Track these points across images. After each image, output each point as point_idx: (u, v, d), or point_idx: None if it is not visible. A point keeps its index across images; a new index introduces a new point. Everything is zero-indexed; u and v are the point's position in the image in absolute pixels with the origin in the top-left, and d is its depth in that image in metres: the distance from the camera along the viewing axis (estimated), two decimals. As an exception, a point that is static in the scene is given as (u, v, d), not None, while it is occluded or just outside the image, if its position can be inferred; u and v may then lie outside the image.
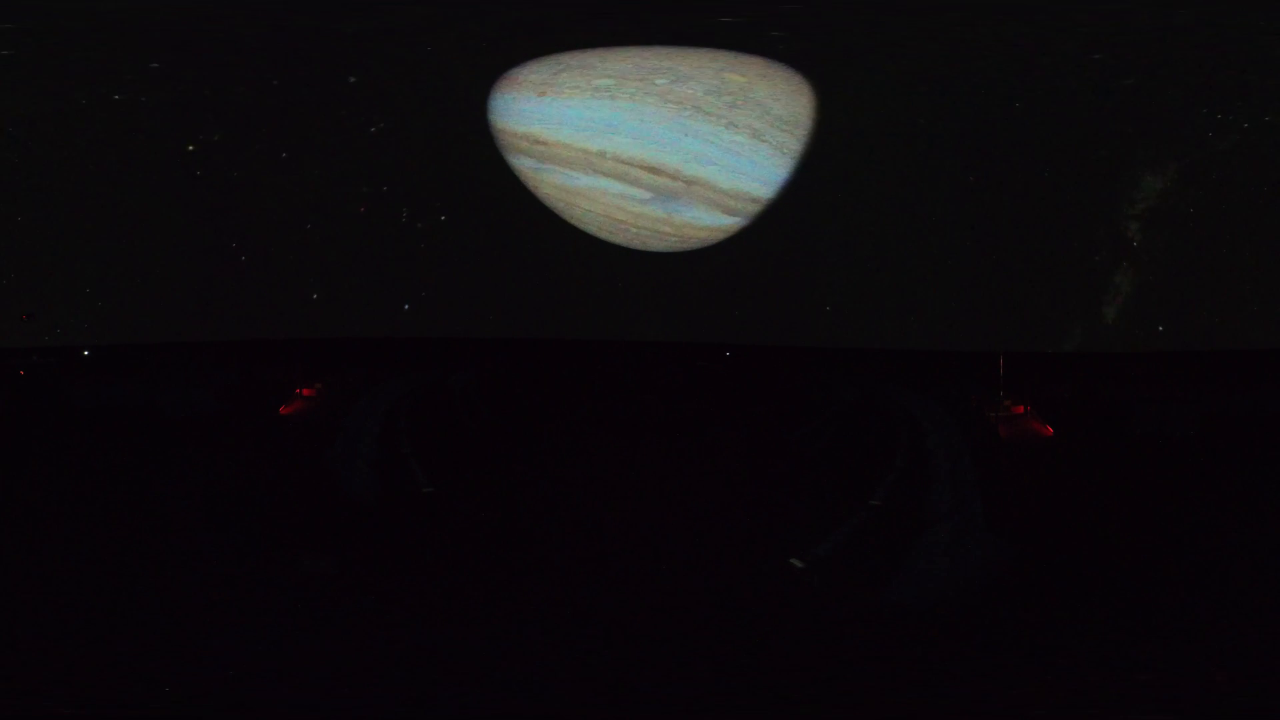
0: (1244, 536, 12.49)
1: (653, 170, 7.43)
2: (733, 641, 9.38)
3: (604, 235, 7.92)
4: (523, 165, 7.07)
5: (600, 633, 9.50)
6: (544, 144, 6.86)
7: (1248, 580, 10.98)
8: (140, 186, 15.74)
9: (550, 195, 7.24)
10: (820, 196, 15.18)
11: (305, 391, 21.56)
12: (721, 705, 8.19)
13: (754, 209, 8.39)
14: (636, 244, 8.22)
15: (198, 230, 16.34)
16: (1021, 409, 19.57)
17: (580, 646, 9.22)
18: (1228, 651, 9.09)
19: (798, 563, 11.63)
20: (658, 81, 7.32)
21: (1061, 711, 8.14)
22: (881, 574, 11.38)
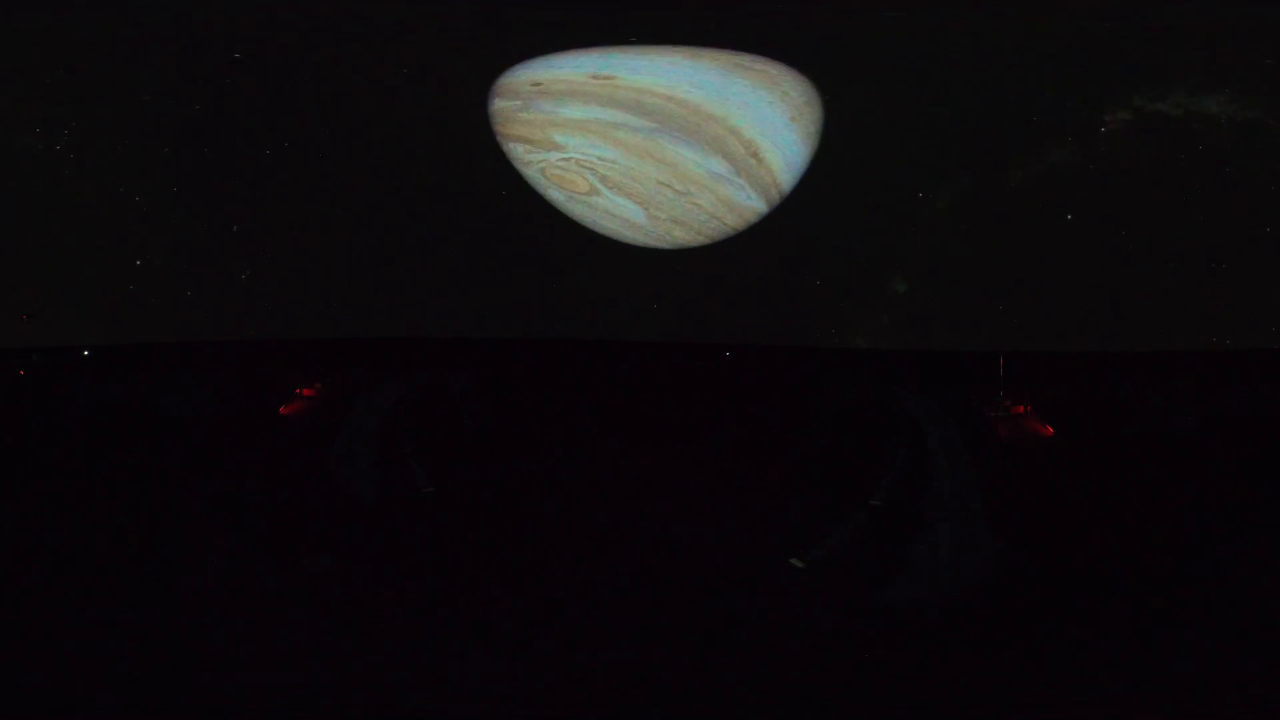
0: (1243, 536, 12.49)
1: (781, 192, 7.62)
2: (734, 641, 9.37)
3: (688, 236, 7.70)
4: (709, 166, 6.60)
5: (600, 632, 9.50)
6: (757, 160, 6.70)
7: (1247, 579, 10.98)
8: (138, 185, 15.80)
9: (692, 188, 6.85)
10: (819, 196, 15.18)
11: (305, 391, 21.56)
12: (722, 705, 8.19)
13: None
14: (697, 241, 8.05)
15: (197, 228, 16.40)
16: (1021, 409, 19.56)
17: (580, 647, 9.21)
18: (1227, 651, 9.08)
19: (798, 562, 11.64)
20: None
21: (1060, 709, 8.15)
22: (882, 573, 11.38)
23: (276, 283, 16.99)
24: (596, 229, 8.06)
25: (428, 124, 15.07)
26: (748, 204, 6.63)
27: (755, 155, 6.48)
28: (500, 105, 7.15)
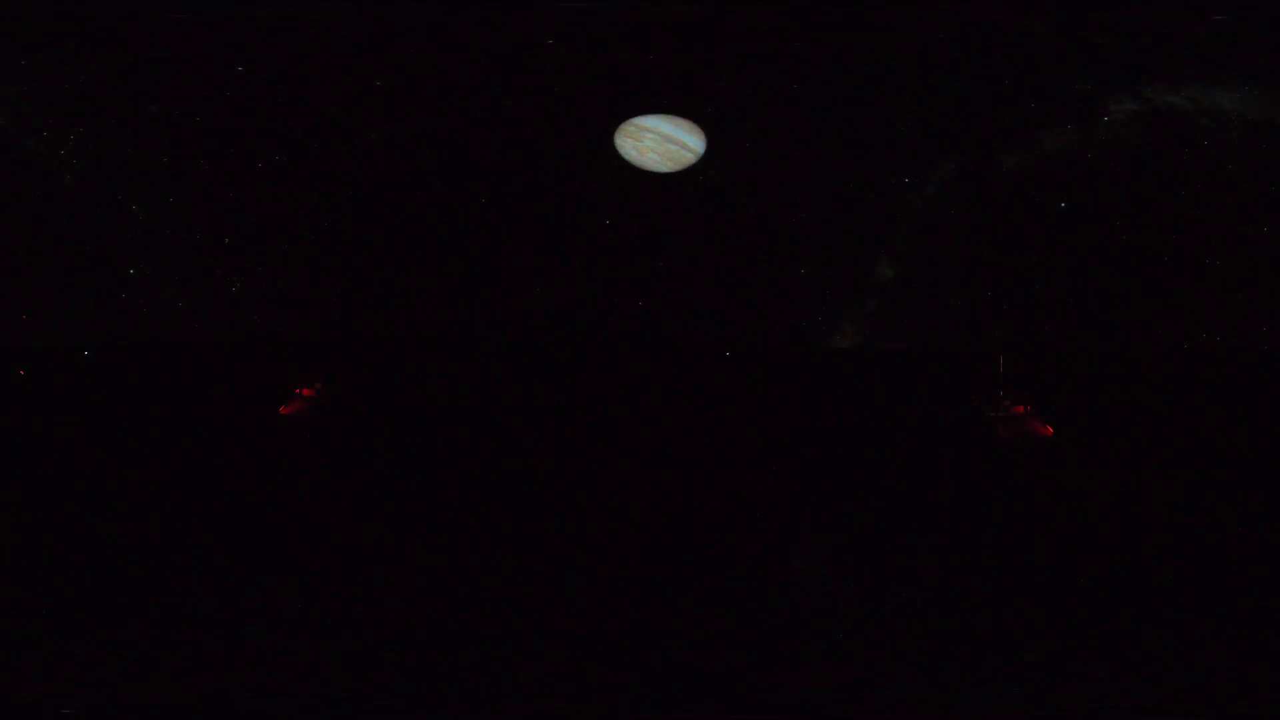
0: (1244, 536, 12.48)
1: (698, 153, 14.23)
2: (732, 641, 9.37)
3: (672, 166, 14.53)
4: (673, 147, 14.20)
5: (598, 633, 9.50)
6: (684, 144, 14.18)
7: (1248, 580, 10.98)
8: (136, 194, 15.82)
9: (670, 151, 14.21)
10: (815, 194, 15.25)
11: (305, 391, 21.49)
12: (721, 705, 8.19)
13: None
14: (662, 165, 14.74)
15: (195, 227, 16.40)
16: (1021, 409, 19.51)
17: (578, 647, 9.21)
18: (1230, 652, 9.08)
19: (796, 563, 11.64)
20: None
21: (1060, 710, 8.15)
22: (881, 573, 11.38)
23: (275, 286, 16.98)
24: (641, 165, 14.47)
25: (426, 129, 15.18)
26: (689, 157, 14.15)
27: (683, 142, 14.08)
28: (629, 125, 14.22)
